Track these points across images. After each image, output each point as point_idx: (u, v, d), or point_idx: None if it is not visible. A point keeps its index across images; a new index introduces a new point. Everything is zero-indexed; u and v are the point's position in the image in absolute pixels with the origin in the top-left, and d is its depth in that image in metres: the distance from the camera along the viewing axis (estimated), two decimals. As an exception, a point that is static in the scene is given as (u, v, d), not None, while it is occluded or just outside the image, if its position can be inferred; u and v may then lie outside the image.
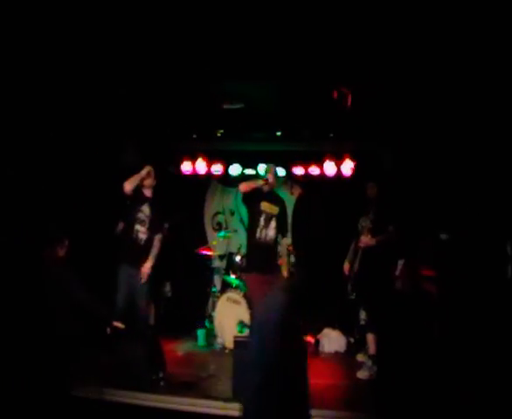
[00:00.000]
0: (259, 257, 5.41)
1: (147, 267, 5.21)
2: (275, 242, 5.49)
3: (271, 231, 5.45)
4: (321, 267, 7.12)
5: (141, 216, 5.28)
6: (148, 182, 5.36)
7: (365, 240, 5.55)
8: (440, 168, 5.72)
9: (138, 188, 5.30)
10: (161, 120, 6.90)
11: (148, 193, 5.40)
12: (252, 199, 5.56)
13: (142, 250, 5.27)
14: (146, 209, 5.32)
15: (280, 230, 5.51)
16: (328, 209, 7.48)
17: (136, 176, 5.21)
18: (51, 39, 4.66)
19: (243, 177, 7.99)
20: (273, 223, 5.46)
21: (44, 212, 5.69)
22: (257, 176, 5.76)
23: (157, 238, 5.37)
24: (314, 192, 7.61)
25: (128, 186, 5.15)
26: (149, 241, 5.32)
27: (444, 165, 5.65)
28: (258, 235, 5.42)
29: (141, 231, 5.26)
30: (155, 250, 5.32)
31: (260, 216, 5.45)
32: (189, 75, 5.40)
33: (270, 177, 5.50)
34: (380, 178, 6.04)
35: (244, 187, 5.52)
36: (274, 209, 5.50)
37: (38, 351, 4.50)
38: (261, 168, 7.41)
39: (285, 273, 5.39)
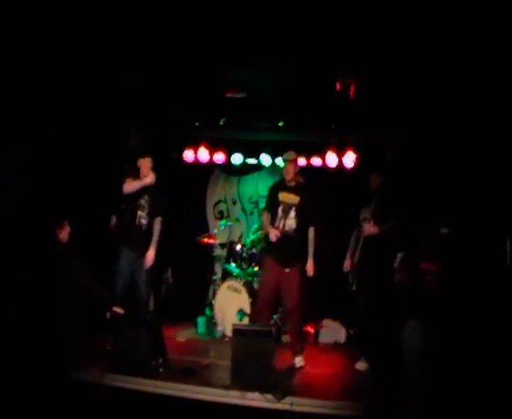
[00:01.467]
0: (277, 247, 5.33)
1: (150, 254, 5.36)
2: (297, 232, 5.35)
3: (290, 221, 5.31)
4: (322, 258, 7.12)
5: (142, 201, 5.41)
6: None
7: (368, 228, 5.51)
8: (443, 161, 5.69)
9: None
10: (164, 106, 6.90)
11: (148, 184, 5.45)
12: (271, 192, 5.56)
13: (144, 236, 5.42)
14: (146, 195, 5.44)
15: (303, 219, 5.36)
16: (330, 201, 7.45)
17: (138, 182, 5.30)
18: (55, 27, 4.67)
19: (245, 166, 8.02)
20: (292, 213, 5.33)
21: (43, 198, 5.69)
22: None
23: (158, 221, 5.48)
24: (316, 183, 7.60)
25: (127, 190, 5.28)
26: (150, 226, 5.46)
27: (447, 158, 5.62)
28: (276, 224, 5.34)
29: (143, 217, 5.41)
30: (156, 236, 5.45)
31: (278, 207, 5.37)
32: (193, 63, 5.39)
33: (286, 170, 5.41)
34: (383, 169, 6.01)
35: None
36: (294, 199, 5.36)
37: (38, 335, 4.54)
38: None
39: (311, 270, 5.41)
